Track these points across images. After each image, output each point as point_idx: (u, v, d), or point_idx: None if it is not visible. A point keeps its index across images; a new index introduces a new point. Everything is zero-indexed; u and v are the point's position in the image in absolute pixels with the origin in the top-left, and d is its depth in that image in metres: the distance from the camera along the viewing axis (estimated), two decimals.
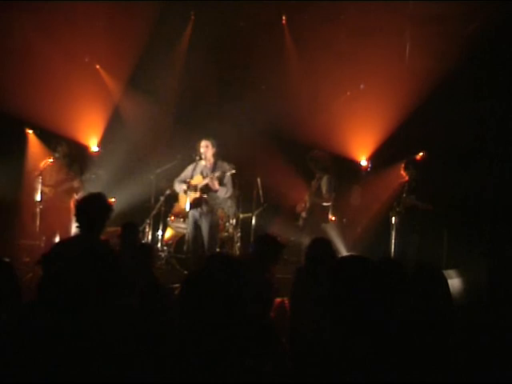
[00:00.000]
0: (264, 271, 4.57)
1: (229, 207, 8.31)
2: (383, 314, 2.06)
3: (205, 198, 7.23)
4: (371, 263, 2.25)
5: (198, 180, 7.31)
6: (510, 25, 7.10)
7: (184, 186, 7.29)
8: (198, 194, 7.24)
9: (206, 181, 7.17)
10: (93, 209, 3.81)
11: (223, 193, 7.24)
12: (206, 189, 7.23)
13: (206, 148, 7.26)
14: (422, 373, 2.14)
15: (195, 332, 2.12)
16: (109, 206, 3.91)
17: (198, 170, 7.35)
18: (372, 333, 2.04)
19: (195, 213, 7.29)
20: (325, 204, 7.84)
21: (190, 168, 7.44)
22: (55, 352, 2.32)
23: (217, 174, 7.13)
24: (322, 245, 4.50)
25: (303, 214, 7.91)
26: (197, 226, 7.31)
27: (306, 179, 8.31)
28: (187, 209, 7.23)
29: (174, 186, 7.56)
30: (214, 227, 7.39)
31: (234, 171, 7.17)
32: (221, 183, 7.18)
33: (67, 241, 4.09)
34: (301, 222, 7.91)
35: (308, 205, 7.90)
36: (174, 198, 8.42)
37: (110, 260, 3.28)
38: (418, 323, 2.45)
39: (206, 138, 7.30)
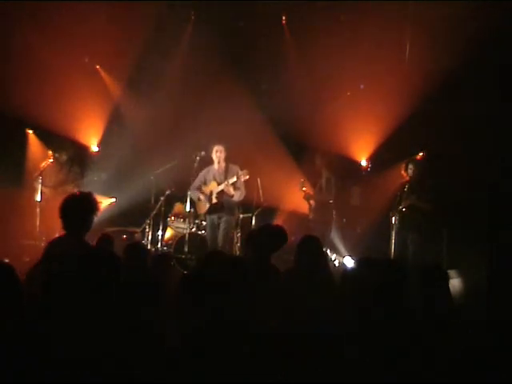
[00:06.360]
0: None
1: None
2: (389, 315, 2.06)
3: (222, 203, 7.46)
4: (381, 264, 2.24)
5: (212, 186, 7.53)
6: (510, 25, 7.09)
7: (201, 196, 7.58)
8: (214, 200, 7.48)
9: (221, 187, 7.39)
10: (76, 209, 3.75)
11: (237, 196, 7.45)
12: (222, 194, 7.44)
13: (220, 153, 7.47)
14: (424, 372, 2.14)
15: (192, 330, 2.12)
16: (93, 206, 3.83)
17: (211, 174, 7.58)
18: (378, 333, 2.04)
19: (213, 217, 7.55)
20: (327, 202, 7.90)
21: (202, 174, 7.68)
22: (56, 351, 2.33)
23: (231, 180, 7.34)
24: (311, 244, 4.35)
25: (310, 216, 7.97)
26: (215, 229, 7.56)
27: (306, 179, 8.32)
28: (207, 214, 7.57)
29: (191, 194, 7.77)
30: (230, 228, 7.64)
31: (247, 176, 7.32)
32: (234, 187, 7.40)
33: (56, 241, 3.94)
34: (311, 225, 7.98)
35: (314, 204, 7.96)
36: (174, 198, 8.45)
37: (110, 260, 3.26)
38: (418, 323, 2.45)
39: (218, 143, 7.51)
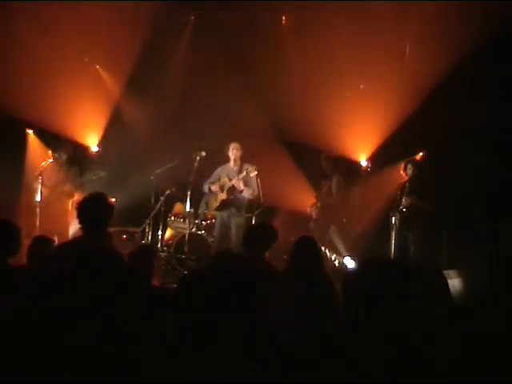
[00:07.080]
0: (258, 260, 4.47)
1: None
2: (390, 315, 2.06)
3: (231, 200, 7.48)
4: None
5: (224, 182, 7.58)
6: (510, 25, 7.09)
7: (212, 187, 7.61)
8: (224, 196, 7.49)
9: (232, 182, 7.43)
10: (95, 209, 3.83)
11: (248, 193, 7.47)
12: (232, 190, 7.45)
13: (237, 151, 7.54)
14: (424, 373, 2.14)
15: (192, 331, 2.13)
16: (110, 206, 3.93)
17: (225, 172, 7.63)
18: (379, 336, 2.04)
19: (224, 214, 7.56)
20: (335, 204, 7.91)
21: (217, 171, 7.74)
22: (56, 351, 2.33)
23: (241, 175, 7.38)
24: (307, 245, 4.28)
25: (313, 216, 7.97)
26: (224, 227, 7.57)
27: (306, 179, 8.33)
28: (217, 210, 7.60)
29: (203, 188, 7.82)
30: (242, 227, 7.58)
31: (256, 172, 7.34)
32: (245, 184, 7.42)
33: (71, 242, 4.09)
34: (312, 224, 7.98)
35: (319, 205, 7.97)
36: (174, 198, 8.45)
37: (117, 260, 3.27)
38: (417, 324, 2.45)
39: (235, 141, 7.57)
